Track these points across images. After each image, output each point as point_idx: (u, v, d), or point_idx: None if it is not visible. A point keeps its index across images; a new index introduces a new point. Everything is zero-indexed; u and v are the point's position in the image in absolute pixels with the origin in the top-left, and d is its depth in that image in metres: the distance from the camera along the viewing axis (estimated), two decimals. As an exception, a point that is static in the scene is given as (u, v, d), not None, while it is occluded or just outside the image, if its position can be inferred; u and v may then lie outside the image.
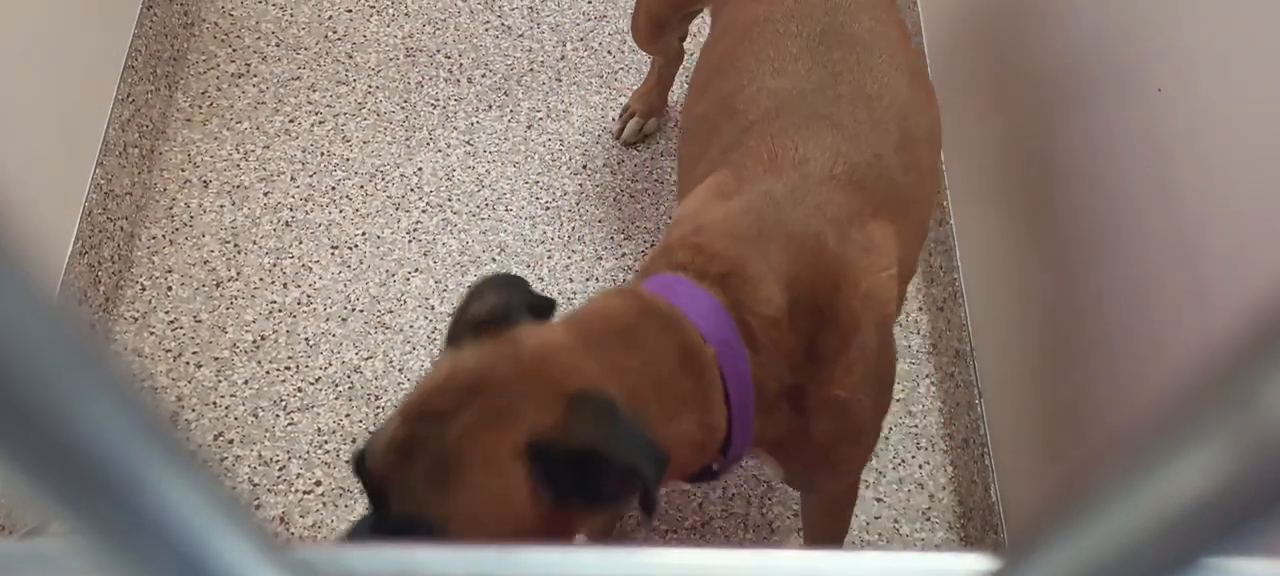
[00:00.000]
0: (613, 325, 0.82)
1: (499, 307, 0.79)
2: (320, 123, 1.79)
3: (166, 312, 1.59)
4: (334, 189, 1.72)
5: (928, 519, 1.46)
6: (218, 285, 1.62)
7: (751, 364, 0.85)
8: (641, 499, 0.73)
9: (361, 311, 1.60)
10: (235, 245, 1.66)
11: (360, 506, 1.44)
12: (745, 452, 0.90)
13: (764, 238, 0.89)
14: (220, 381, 1.53)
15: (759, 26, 1.10)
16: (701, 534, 1.44)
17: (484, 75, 1.86)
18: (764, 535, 1.44)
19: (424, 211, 1.70)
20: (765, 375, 0.87)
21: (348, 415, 1.51)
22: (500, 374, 0.75)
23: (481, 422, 0.73)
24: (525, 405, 0.74)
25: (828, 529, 1.25)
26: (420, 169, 1.74)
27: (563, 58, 1.89)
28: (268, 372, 1.54)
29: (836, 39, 1.06)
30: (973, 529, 1.43)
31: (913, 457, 1.50)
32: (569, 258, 1.66)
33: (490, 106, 1.82)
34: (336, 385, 1.53)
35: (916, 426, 1.53)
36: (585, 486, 0.74)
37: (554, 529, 0.76)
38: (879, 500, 1.47)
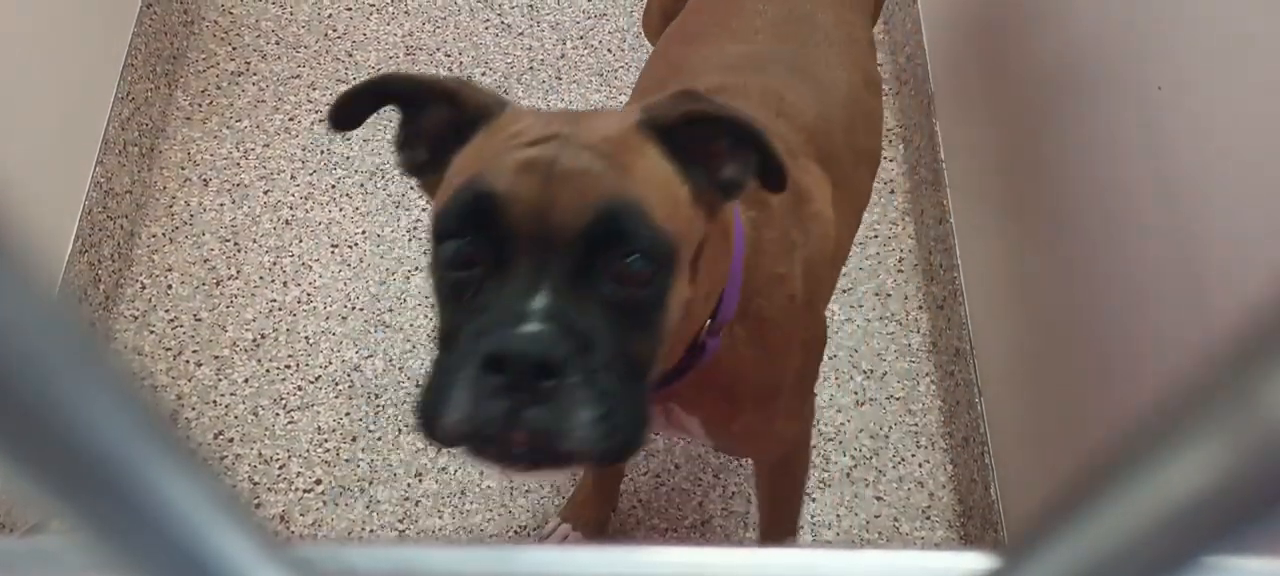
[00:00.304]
0: None
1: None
2: (320, 121, 1.79)
3: (166, 311, 1.59)
4: (334, 187, 1.72)
5: (927, 517, 1.46)
6: (218, 283, 1.62)
7: (744, 221, 0.85)
8: (767, 171, 0.69)
9: (361, 310, 1.60)
10: (235, 243, 1.66)
11: (360, 505, 1.44)
12: (723, 332, 0.85)
13: None
14: (220, 380, 1.53)
15: (727, 3, 1.11)
16: (701, 532, 1.44)
17: (484, 73, 1.86)
18: (764, 533, 1.44)
19: (424, 209, 1.70)
20: (754, 239, 0.85)
21: (348, 413, 1.51)
22: (579, 113, 0.73)
23: (601, 124, 0.69)
24: (621, 114, 0.71)
25: (774, 516, 1.25)
26: (420, 167, 1.74)
27: (563, 56, 1.89)
28: (268, 371, 1.54)
29: (801, 23, 1.07)
30: (972, 527, 1.43)
31: (912, 456, 1.50)
32: (569, 256, 1.66)
33: (490, 105, 1.82)
34: (336, 383, 1.53)
35: (916, 425, 1.53)
36: (708, 170, 0.71)
37: (709, 218, 0.72)
38: (879, 498, 1.47)
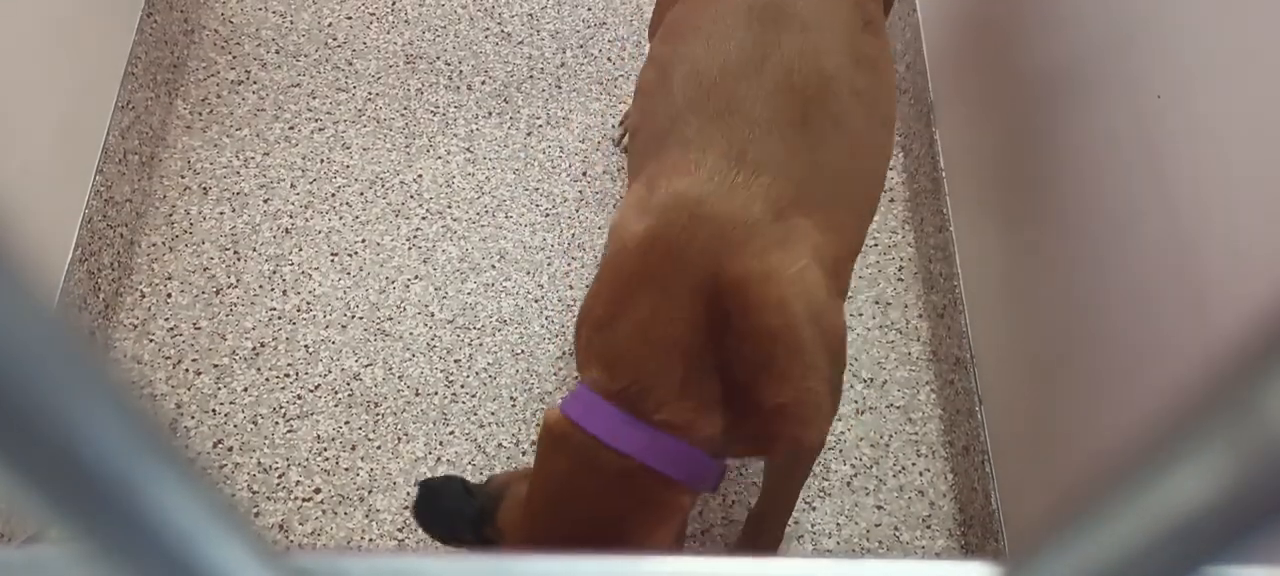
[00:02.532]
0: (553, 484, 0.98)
1: None
2: (320, 130, 1.80)
3: (166, 320, 1.59)
4: (334, 196, 1.72)
5: (928, 526, 1.46)
6: (217, 292, 1.62)
7: (680, 436, 0.95)
8: None
9: (361, 318, 1.60)
10: (235, 252, 1.66)
11: (359, 514, 1.44)
12: (722, 467, 1.01)
13: (663, 312, 0.94)
14: (219, 388, 1.53)
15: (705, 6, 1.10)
16: (702, 542, 1.44)
17: (484, 82, 1.86)
18: (764, 542, 1.44)
19: (424, 218, 1.70)
20: (700, 434, 0.95)
21: (347, 422, 1.51)
22: None
23: None
24: None
25: (787, 485, 1.29)
26: (420, 176, 1.75)
27: (562, 65, 1.89)
28: (267, 380, 1.54)
29: (776, 18, 1.05)
30: (973, 536, 1.42)
31: (913, 465, 1.50)
32: (569, 264, 1.66)
33: (490, 113, 1.82)
34: (336, 392, 1.53)
35: (917, 433, 1.53)
36: None
37: None
38: (879, 507, 1.47)
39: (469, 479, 1.11)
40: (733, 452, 1.03)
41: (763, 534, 1.34)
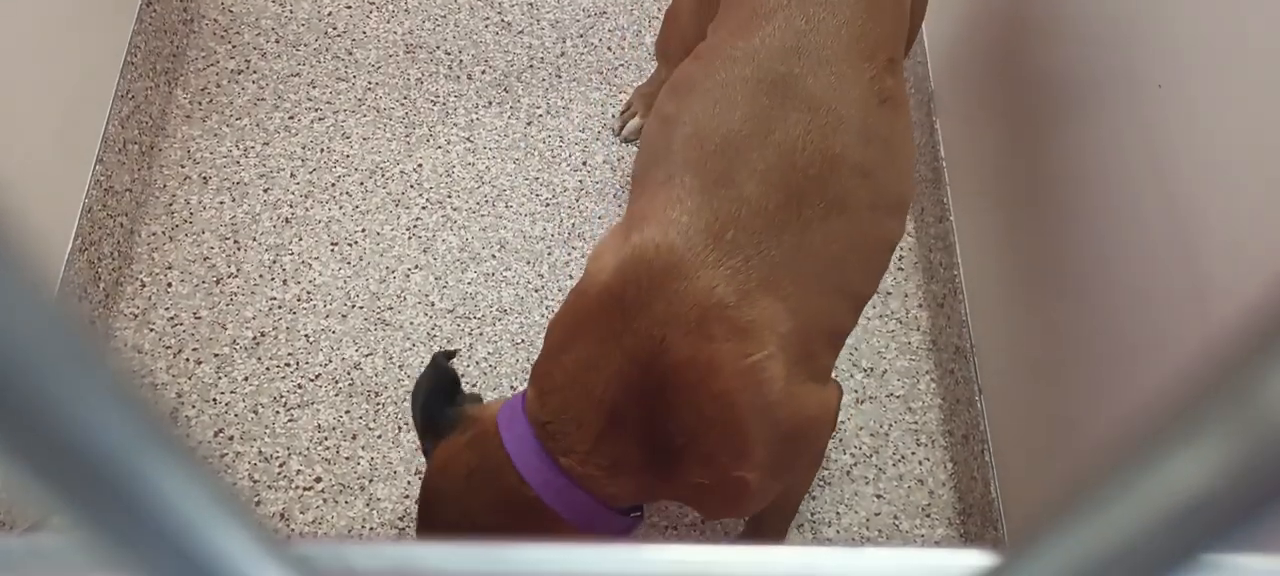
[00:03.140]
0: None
1: None
2: (320, 119, 1.79)
3: (166, 309, 1.59)
4: (334, 185, 1.72)
5: (928, 515, 1.46)
6: (217, 282, 1.62)
7: (582, 486, 0.96)
8: None
9: (361, 308, 1.60)
10: (235, 242, 1.66)
11: (360, 503, 1.44)
12: (639, 519, 1.03)
13: (600, 366, 0.94)
14: (220, 378, 1.53)
15: (721, 58, 1.06)
16: (701, 530, 1.44)
17: (484, 71, 1.86)
18: (764, 531, 1.44)
19: (424, 208, 1.70)
20: (603, 491, 0.97)
21: (347, 411, 1.51)
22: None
23: None
24: None
25: (789, 490, 1.28)
26: (420, 165, 1.74)
27: (563, 54, 1.89)
28: (268, 369, 1.54)
29: (785, 92, 1.01)
30: (973, 525, 1.43)
31: (913, 453, 1.51)
32: (569, 254, 1.66)
33: (490, 103, 1.82)
34: (336, 381, 1.53)
35: (916, 422, 1.53)
36: None
37: None
38: (879, 496, 1.47)
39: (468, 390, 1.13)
40: (658, 500, 1.04)
41: (764, 528, 1.34)
